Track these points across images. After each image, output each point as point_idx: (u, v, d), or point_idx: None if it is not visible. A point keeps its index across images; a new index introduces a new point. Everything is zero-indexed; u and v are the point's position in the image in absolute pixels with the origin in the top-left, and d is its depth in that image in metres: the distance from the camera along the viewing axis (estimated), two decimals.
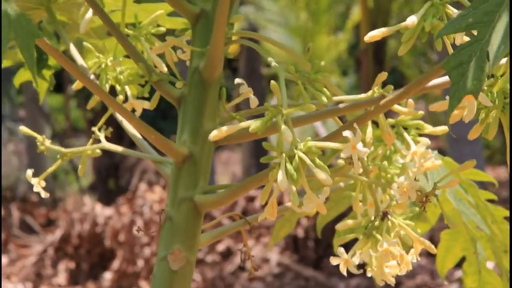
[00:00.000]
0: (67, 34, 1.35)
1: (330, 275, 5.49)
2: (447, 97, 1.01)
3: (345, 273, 1.13)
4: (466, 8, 0.93)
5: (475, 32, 0.90)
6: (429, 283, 5.28)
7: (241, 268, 5.62)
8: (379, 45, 6.88)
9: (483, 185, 4.50)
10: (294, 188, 0.94)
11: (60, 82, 7.99)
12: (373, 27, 6.70)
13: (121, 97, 1.27)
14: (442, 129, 1.19)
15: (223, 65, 1.16)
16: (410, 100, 1.16)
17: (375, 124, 1.18)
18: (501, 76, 0.97)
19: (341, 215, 1.52)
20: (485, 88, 0.97)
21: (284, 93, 1.00)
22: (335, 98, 1.12)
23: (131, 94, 1.31)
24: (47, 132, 8.65)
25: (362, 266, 1.15)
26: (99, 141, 1.28)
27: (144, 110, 1.29)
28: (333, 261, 1.12)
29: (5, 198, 8.22)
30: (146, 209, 5.97)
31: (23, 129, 1.27)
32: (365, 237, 1.14)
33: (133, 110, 1.29)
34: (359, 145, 0.96)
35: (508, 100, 0.97)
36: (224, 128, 1.03)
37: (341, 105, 1.11)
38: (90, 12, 1.27)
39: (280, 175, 0.94)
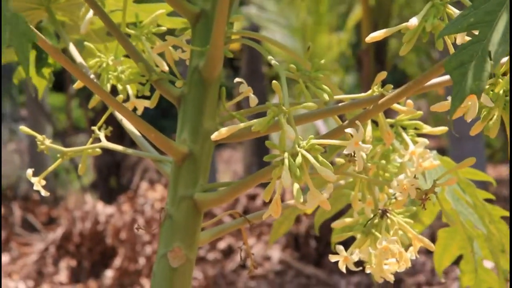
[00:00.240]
0: (68, 34, 1.36)
1: (331, 273, 5.49)
2: (448, 98, 1.02)
3: (344, 270, 1.14)
4: (467, 8, 0.93)
5: (476, 32, 0.91)
6: (430, 280, 5.28)
7: (243, 266, 5.63)
8: (380, 45, 6.87)
9: (484, 184, 4.51)
10: (297, 186, 0.95)
11: (61, 82, 8.00)
12: (374, 26, 6.71)
13: (121, 96, 1.28)
14: (441, 129, 1.20)
15: (225, 65, 1.17)
16: (409, 100, 1.16)
17: (375, 123, 1.18)
18: (502, 75, 0.97)
19: (339, 212, 1.53)
20: (487, 86, 0.98)
21: (286, 91, 1.01)
22: (336, 97, 1.13)
23: (132, 93, 1.31)
24: (48, 132, 8.66)
25: (362, 263, 1.16)
26: (99, 140, 1.29)
27: (145, 109, 1.30)
28: (332, 258, 1.13)
29: (7, 196, 8.23)
30: (147, 208, 5.98)
31: (23, 128, 1.28)
32: (364, 235, 1.15)
33: (134, 109, 1.29)
34: (360, 142, 0.97)
35: (509, 98, 0.97)
36: (224, 129, 1.04)
37: (341, 104, 1.12)
38: (90, 13, 1.27)
39: (284, 173, 0.94)
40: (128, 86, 1.31)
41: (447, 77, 1.05)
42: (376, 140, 1.24)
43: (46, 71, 1.44)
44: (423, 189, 1.09)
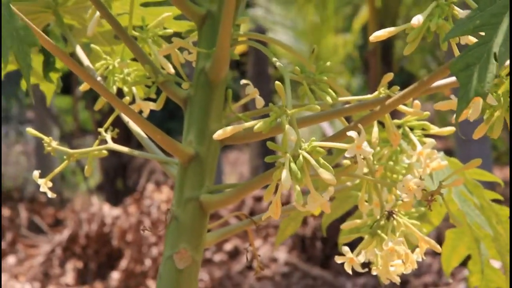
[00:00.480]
0: (75, 37, 1.36)
1: (338, 274, 5.49)
2: (452, 97, 1.02)
3: (350, 272, 1.14)
4: (473, 10, 0.93)
5: (481, 33, 0.91)
6: (437, 282, 5.27)
7: (249, 268, 5.63)
8: (387, 46, 6.87)
9: (491, 185, 4.50)
10: (298, 188, 0.95)
11: (68, 84, 8.02)
12: (381, 28, 6.67)
13: (127, 98, 1.28)
14: (448, 129, 1.20)
15: (231, 66, 1.17)
16: (416, 101, 1.16)
17: (382, 125, 1.18)
18: (506, 76, 0.97)
19: (346, 214, 1.53)
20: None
21: (289, 93, 1.01)
22: (341, 99, 1.13)
23: (138, 96, 1.32)
24: (55, 134, 8.67)
25: (368, 264, 1.16)
26: (106, 142, 1.29)
27: (152, 111, 1.30)
28: (338, 260, 1.13)
29: (13, 198, 8.24)
30: (153, 209, 5.98)
31: (30, 130, 1.28)
32: (371, 236, 1.15)
33: (141, 111, 1.29)
34: (364, 145, 0.97)
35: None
36: (229, 128, 1.04)
37: (347, 106, 1.12)
38: (97, 15, 1.28)
39: (284, 175, 0.94)
40: (134, 88, 1.31)
41: (453, 78, 1.05)
42: (383, 142, 1.24)
43: (54, 76, 1.45)
44: (429, 190, 1.08)
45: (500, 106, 0.97)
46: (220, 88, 1.16)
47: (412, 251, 1.13)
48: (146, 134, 1.24)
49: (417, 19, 0.99)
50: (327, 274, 5.53)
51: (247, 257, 1.25)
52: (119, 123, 1.31)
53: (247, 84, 1.21)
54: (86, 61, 1.31)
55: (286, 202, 5.11)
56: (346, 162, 1.17)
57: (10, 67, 1.48)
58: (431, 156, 1.15)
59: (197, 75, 1.17)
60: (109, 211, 6.09)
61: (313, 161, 0.96)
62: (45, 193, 1.25)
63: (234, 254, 5.79)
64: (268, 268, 5.60)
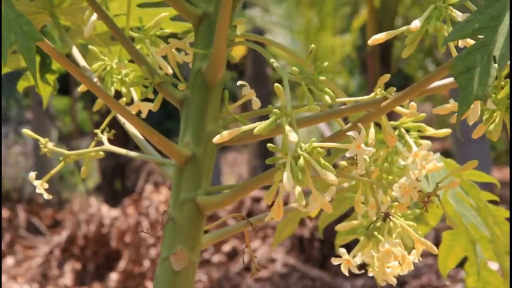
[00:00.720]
0: (71, 38, 1.36)
1: (336, 275, 5.49)
2: (451, 101, 1.02)
3: (347, 273, 1.14)
4: (472, 13, 0.93)
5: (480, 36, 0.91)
6: (435, 283, 5.27)
7: (247, 269, 5.63)
8: (385, 47, 6.87)
9: (489, 186, 4.50)
10: (299, 189, 0.95)
11: (66, 85, 8.02)
12: (380, 28, 6.70)
13: (124, 99, 1.28)
14: (444, 131, 1.20)
15: (230, 67, 1.17)
16: (412, 103, 1.16)
17: (378, 126, 1.18)
18: (505, 77, 0.97)
19: (344, 215, 1.53)
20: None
21: (288, 94, 1.01)
22: (338, 100, 1.13)
23: (136, 97, 1.31)
24: (53, 134, 8.67)
25: (366, 266, 1.16)
26: (103, 143, 1.29)
27: (150, 111, 1.30)
28: (335, 261, 1.13)
29: (11, 199, 8.24)
30: (152, 210, 5.98)
31: (26, 131, 1.28)
32: (367, 238, 1.15)
33: (139, 112, 1.29)
34: (363, 145, 0.97)
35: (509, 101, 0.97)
36: (226, 132, 1.04)
37: (344, 107, 1.12)
38: (94, 16, 1.28)
39: (286, 176, 0.94)
40: (132, 89, 1.31)
41: (450, 79, 1.04)
42: (379, 143, 1.24)
43: (51, 77, 1.45)
44: (425, 191, 1.08)
45: (499, 108, 0.97)
46: (216, 89, 1.16)
47: (409, 252, 1.13)
48: (143, 136, 1.24)
49: (415, 24, 0.99)
50: (325, 275, 5.53)
51: (243, 259, 1.25)
52: (117, 124, 1.31)
53: (243, 85, 1.21)
54: (82, 62, 1.30)
55: (284, 203, 5.10)
56: (343, 163, 1.17)
57: (9, 67, 1.48)
58: (426, 158, 1.15)
59: (194, 76, 1.16)
60: (108, 212, 6.09)
61: (314, 162, 0.96)
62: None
63: (233, 255, 5.79)
64: (266, 269, 5.60)
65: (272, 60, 1.08)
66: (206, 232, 1.20)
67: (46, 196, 1.25)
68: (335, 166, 1.23)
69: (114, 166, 7.96)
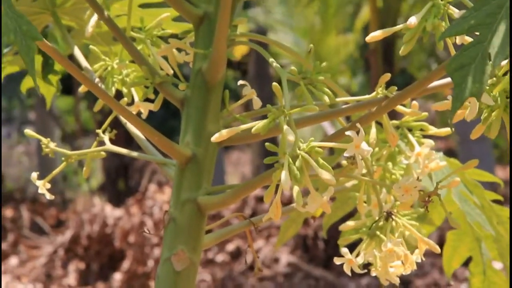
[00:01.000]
0: (74, 38, 1.36)
1: (340, 275, 5.48)
2: (449, 97, 1.01)
3: (349, 273, 1.13)
4: (468, 10, 0.93)
5: (476, 33, 0.91)
6: (439, 281, 5.27)
7: (251, 268, 5.62)
8: (388, 46, 6.86)
9: (492, 185, 4.49)
10: (297, 188, 0.95)
11: (69, 84, 8.02)
12: (382, 27, 6.67)
13: (125, 100, 1.28)
14: (446, 130, 1.19)
15: (233, 66, 1.17)
16: (414, 102, 1.16)
17: (380, 125, 1.18)
18: (503, 75, 0.97)
19: (348, 215, 1.53)
20: (487, 87, 0.97)
21: (287, 94, 1.00)
22: (339, 99, 1.12)
23: (138, 97, 1.31)
24: (57, 134, 8.68)
25: (368, 265, 1.16)
26: (105, 143, 1.29)
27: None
28: (338, 261, 1.13)
29: (15, 199, 8.25)
30: (156, 210, 5.98)
31: (28, 132, 1.28)
32: (369, 238, 1.15)
33: (141, 112, 1.29)
34: (363, 145, 0.97)
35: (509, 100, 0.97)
36: (225, 130, 1.04)
37: (345, 106, 1.12)
38: (95, 16, 1.27)
39: (283, 176, 0.94)
40: (133, 90, 1.31)
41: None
42: (381, 142, 1.23)
43: (54, 78, 1.44)
44: (427, 191, 1.08)
45: (498, 106, 0.97)
46: (217, 89, 1.16)
47: (412, 252, 1.13)
48: (144, 136, 1.24)
49: (412, 21, 0.99)
50: (329, 274, 5.52)
51: (245, 260, 1.25)
52: (119, 124, 1.30)
53: (244, 85, 1.21)
54: (84, 62, 1.30)
55: (288, 202, 5.11)
56: (345, 163, 1.17)
57: (11, 69, 1.48)
58: (429, 157, 1.15)
59: (194, 76, 1.16)
60: (111, 212, 6.09)
61: (312, 162, 0.95)
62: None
63: (236, 254, 5.79)
64: (270, 268, 5.60)
65: (271, 60, 1.08)
66: (208, 231, 1.19)
67: (49, 196, 1.25)
68: (338, 165, 1.23)
69: (117, 166, 7.96)
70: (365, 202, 1.20)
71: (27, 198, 8.34)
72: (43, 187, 1.24)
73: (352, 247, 1.14)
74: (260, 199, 5.86)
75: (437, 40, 0.97)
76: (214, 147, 1.16)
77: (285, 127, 0.97)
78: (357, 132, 0.97)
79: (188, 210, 1.15)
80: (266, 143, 0.99)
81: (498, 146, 9.71)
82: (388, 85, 1.12)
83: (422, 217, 1.33)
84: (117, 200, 7.56)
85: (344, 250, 1.12)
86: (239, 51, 7.14)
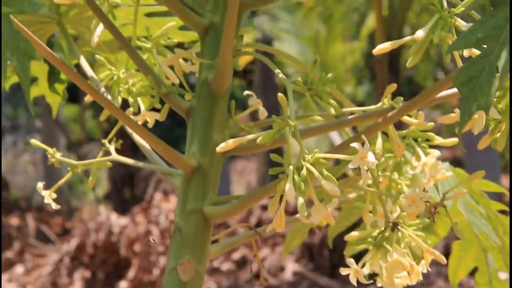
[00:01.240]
0: (79, 47, 1.36)
1: (346, 284, 5.47)
2: (456, 110, 1.01)
3: (355, 283, 1.13)
4: (475, 23, 0.92)
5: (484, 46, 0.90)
6: None
7: (257, 277, 5.62)
8: (394, 55, 6.86)
9: (498, 195, 4.48)
10: (301, 200, 0.95)
11: (75, 93, 8.03)
12: (388, 36, 6.69)
13: (131, 109, 1.28)
14: (452, 140, 1.19)
15: (239, 75, 1.17)
16: (420, 112, 1.16)
17: (386, 135, 1.18)
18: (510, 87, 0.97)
19: (354, 225, 1.52)
20: (494, 99, 0.97)
21: (292, 104, 1.00)
22: (345, 110, 1.12)
23: (144, 106, 1.31)
24: (62, 143, 8.69)
25: (374, 275, 1.16)
26: (111, 152, 1.29)
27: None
28: (344, 271, 1.12)
29: (21, 207, 8.26)
30: (161, 219, 5.99)
31: (34, 142, 1.28)
32: (375, 248, 1.14)
33: (147, 122, 1.29)
34: (369, 156, 0.96)
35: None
36: (231, 140, 1.04)
37: (351, 117, 1.12)
38: (101, 26, 1.27)
39: (288, 187, 0.94)
40: (139, 99, 1.31)
41: None
42: (387, 152, 1.23)
43: (60, 87, 1.45)
44: (433, 202, 1.08)
45: (505, 118, 0.96)
46: (223, 99, 1.16)
47: (418, 262, 1.12)
48: (149, 146, 1.24)
49: (420, 34, 0.99)
50: (335, 283, 5.51)
51: (251, 269, 1.25)
52: (125, 133, 1.31)
53: (250, 95, 1.21)
54: (90, 72, 1.30)
55: (293, 211, 5.11)
56: (351, 173, 1.16)
57: (16, 78, 1.48)
58: (435, 167, 1.14)
59: (200, 86, 1.16)
60: (117, 220, 6.10)
61: (316, 173, 0.95)
62: None
63: (242, 263, 5.79)
64: (276, 277, 5.59)
65: (277, 71, 1.08)
66: (215, 241, 1.19)
67: (54, 206, 1.25)
68: (344, 176, 1.22)
69: (123, 175, 7.97)
70: (370, 212, 1.19)
71: (33, 207, 8.35)
72: (49, 197, 1.24)
73: (358, 257, 1.14)
74: (265, 208, 5.86)
75: (444, 53, 0.97)
76: (220, 157, 1.16)
77: (291, 138, 0.97)
78: (363, 144, 0.96)
79: (194, 220, 1.15)
80: (272, 154, 0.99)
81: (504, 156, 9.69)
82: (394, 94, 1.11)
83: (428, 228, 1.33)
84: (122, 208, 7.57)
85: (350, 261, 1.12)
86: (244, 60, 7.16)
